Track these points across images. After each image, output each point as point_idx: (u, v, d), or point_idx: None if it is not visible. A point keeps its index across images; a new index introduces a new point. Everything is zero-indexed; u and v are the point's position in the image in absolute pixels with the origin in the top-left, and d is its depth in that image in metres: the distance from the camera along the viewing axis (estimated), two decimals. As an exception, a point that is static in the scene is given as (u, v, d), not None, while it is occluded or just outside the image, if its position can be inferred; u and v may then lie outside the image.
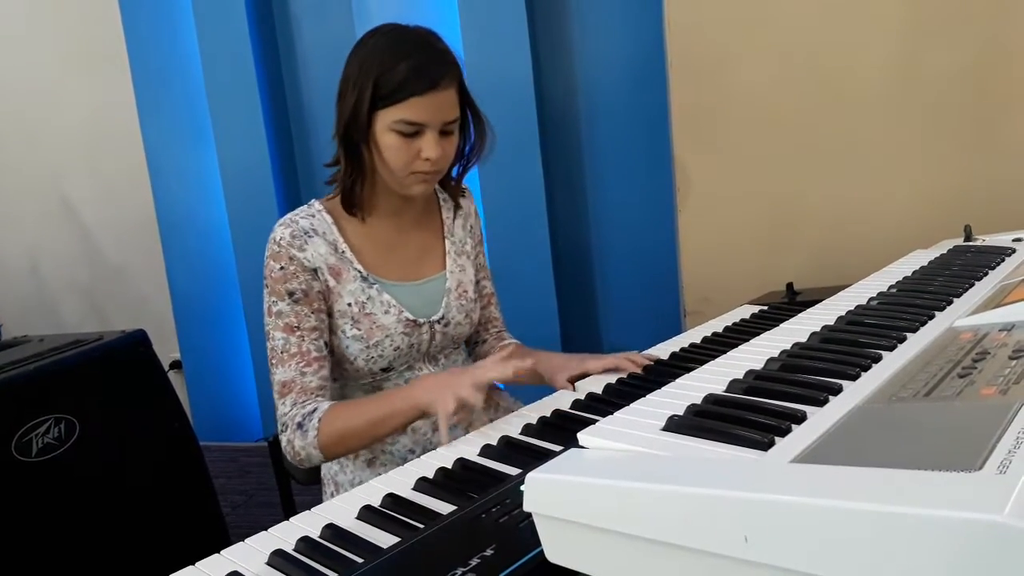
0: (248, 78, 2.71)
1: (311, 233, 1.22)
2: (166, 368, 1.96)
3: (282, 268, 1.19)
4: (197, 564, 0.79)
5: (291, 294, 1.19)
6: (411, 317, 1.26)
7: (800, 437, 0.60)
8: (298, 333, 1.19)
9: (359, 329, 1.23)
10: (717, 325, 1.47)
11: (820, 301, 1.12)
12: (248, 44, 2.69)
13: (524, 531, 0.72)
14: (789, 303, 1.58)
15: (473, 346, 1.49)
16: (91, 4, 3.01)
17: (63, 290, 3.38)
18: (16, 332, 2.41)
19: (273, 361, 1.20)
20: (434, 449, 1.08)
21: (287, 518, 0.88)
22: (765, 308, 1.57)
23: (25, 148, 3.28)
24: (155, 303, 3.15)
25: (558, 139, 2.53)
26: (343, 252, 1.24)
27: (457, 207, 1.41)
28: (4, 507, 1.56)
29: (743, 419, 0.65)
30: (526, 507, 0.61)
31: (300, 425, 1.15)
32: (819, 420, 0.63)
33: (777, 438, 0.61)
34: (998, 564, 0.39)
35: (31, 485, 1.61)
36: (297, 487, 1.46)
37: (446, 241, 1.36)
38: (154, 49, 2.83)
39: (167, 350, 3.02)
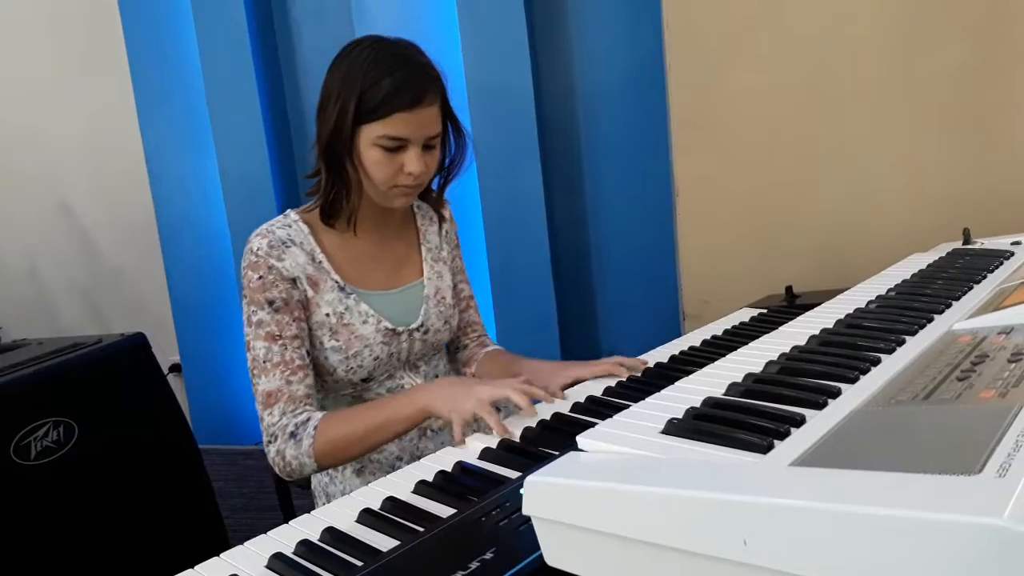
0: (248, 82, 2.71)
1: (288, 243, 1.21)
2: (165, 371, 1.96)
3: (260, 278, 1.18)
4: (196, 567, 0.79)
5: (271, 303, 1.18)
6: (390, 326, 1.26)
7: (799, 440, 0.60)
8: (280, 342, 1.17)
9: (338, 340, 1.22)
10: (716, 328, 1.47)
11: (819, 304, 1.12)
12: (248, 48, 2.69)
13: (523, 535, 0.72)
14: (788, 306, 1.58)
15: (454, 352, 1.47)
16: (91, 8, 3.01)
17: (62, 293, 3.38)
18: (15, 335, 2.42)
19: (255, 371, 1.18)
20: (421, 456, 1.06)
21: (286, 521, 0.88)
22: (764, 311, 1.57)
23: (25, 151, 3.28)
24: (154, 306, 3.15)
25: (557, 143, 2.54)
26: (320, 262, 1.23)
27: (441, 219, 1.40)
28: (3, 510, 1.56)
29: (742, 422, 0.65)
30: (525, 511, 0.61)
31: (293, 434, 1.13)
32: (818, 423, 0.63)
33: (776, 441, 0.61)
34: (998, 567, 0.39)
35: (30, 488, 1.60)
36: (296, 491, 1.46)
37: (422, 248, 1.36)
38: (154, 53, 2.83)
39: (166, 353, 3.02)
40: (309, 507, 0.94)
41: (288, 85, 2.84)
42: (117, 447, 1.78)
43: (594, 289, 2.63)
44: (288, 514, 1.44)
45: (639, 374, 1.23)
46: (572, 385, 1.23)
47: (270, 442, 1.16)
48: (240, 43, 2.69)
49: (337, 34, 2.67)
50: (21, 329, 2.96)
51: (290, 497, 1.47)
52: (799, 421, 0.64)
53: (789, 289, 1.64)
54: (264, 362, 1.17)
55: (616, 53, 2.42)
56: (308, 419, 1.14)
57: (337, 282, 1.23)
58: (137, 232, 3.13)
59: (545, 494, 0.60)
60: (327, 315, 1.22)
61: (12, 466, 1.58)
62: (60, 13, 3.11)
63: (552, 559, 0.61)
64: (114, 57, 2.91)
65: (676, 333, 1.85)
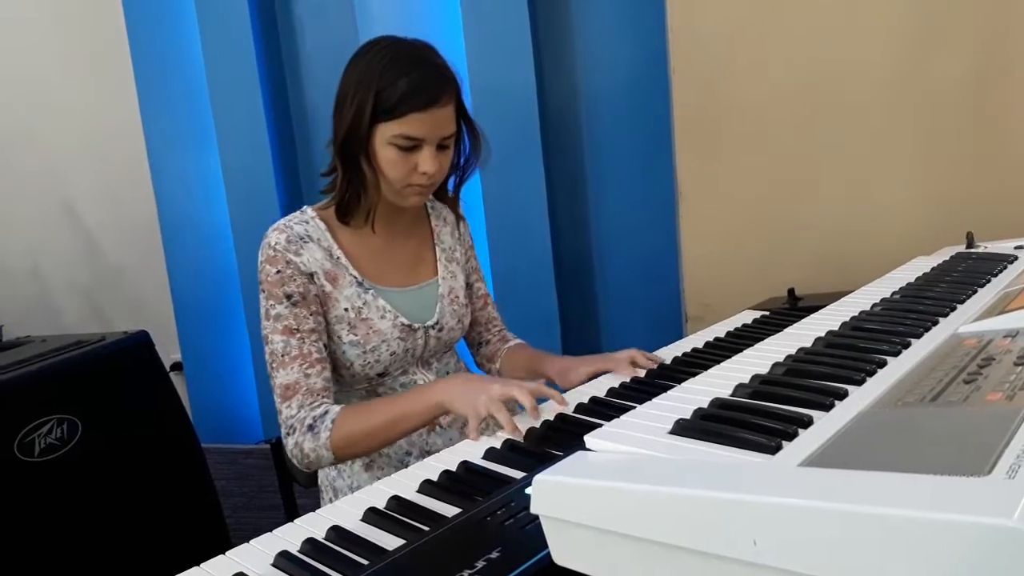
0: (251, 80, 2.71)
1: (306, 239, 1.23)
2: (167, 370, 1.96)
3: (279, 272, 1.19)
4: (202, 565, 0.79)
5: (289, 297, 1.19)
6: (407, 322, 1.27)
7: (807, 441, 0.60)
8: (298, 335, 1.19)
9: (356, 334, 1.23)
10: (719, 330, 1.47)
11: (822, 307, 1.12)
12: (251, 46, 2.69)
13: (530, 533, 0.72)
14: (791, 309, 1.59)
15: (477, 347, 1.50)
16: (94, 5, 3.01)
17: (64, 291, 3.38)
18: (18, 333, 2.41)
19: (274, 365, 1.19)
20: (430, 452, 1.07)
21: (288, 520, 0.88)
22: (767, 313, 1.57)
23: (27, 149, 3.28)
24: (156, 305, 3.15)
25: (560, 145, 2.54)
26: (338, 258, 1.25)
27: (459, 218, 1.43)
28: (6, 507, 1.56)
29: (750, 423, 0.65)
30: (533, 509, 0.62)
31: (311, 427, 1.15)
32: (826, 424, 0.63)
33: (784, 442, 0.61)
34: (1007, 568, 0.40)
35: (33, 485, 1.61)
36: (299, 489, 1.46)
37: (436, 248, 1.38)
38: (157, 51, 2.83)
39: (168, 352, 3.02)
40: (312, 506, 0.94)
41: (291, 83, 2.84)
42: (120, 445, 1.78)
43: (596, 291, 2.63)
44: (292, 513, 1.44)
45: (642, 374, 1.24)
46: (592, 378, 1.26)
47: (288, 434, 1.17)
48: (243, 41, 2.69)
49: (340, 32, 2.67)
50: (23, 328, 2.94)
51: (293, 496, 1.47)
52: (807, 422, 0.64)
53: (791, 292, 1.64)
54: (282, 356, 1.18)
55: (620, 55, 2.43)
56: (326, 412, 1.16)
57: (355, 277, 1.25)
58: (139, 231, 3.13)
59: (553, 493, 0.60)
60: (345, 310, 1.23)
61: (16, 463, 1.58)
62: (63, 12, 3.11)
63: (560, 558, 0.61)
64: (117, 55, 2.91)
65: (678, 335, 1.85)
